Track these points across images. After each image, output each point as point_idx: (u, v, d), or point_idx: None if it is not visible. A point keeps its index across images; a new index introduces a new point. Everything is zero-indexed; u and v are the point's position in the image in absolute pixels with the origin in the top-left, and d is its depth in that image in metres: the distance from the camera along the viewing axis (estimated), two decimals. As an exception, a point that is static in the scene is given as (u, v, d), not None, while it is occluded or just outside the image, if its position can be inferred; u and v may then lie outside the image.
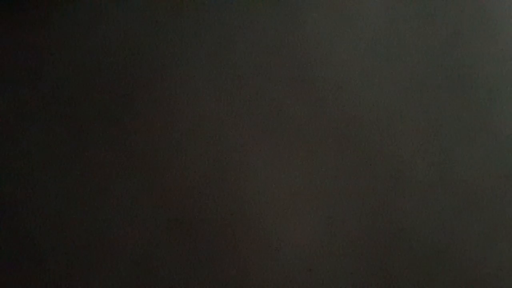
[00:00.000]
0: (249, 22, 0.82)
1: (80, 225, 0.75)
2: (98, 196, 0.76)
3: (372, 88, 0.81)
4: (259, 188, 0.77)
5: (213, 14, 0.82)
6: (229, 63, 0.81)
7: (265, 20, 0.82)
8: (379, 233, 0.77)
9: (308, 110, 0.80)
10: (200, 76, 0.80)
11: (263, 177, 0.77)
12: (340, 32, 0.82)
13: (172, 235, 0.75)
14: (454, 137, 0.80)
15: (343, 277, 0.76)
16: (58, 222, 0.75)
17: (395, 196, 0.78)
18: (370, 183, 0.78)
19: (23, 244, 0.74)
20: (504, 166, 0.80)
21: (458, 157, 0.80)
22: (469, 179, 0.79)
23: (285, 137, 0.79)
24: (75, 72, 0.79)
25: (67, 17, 0.81)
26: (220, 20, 0.82)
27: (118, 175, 0.77)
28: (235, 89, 0.80)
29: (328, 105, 0.80)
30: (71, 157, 0.77)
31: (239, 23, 0.82)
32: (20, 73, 0.79)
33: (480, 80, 0.82)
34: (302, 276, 0.75)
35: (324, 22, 0.83)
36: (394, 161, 0.79)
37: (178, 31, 0.81)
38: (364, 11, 0.84)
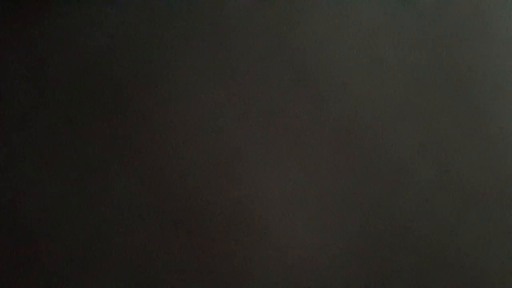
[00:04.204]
0: (249, 22, 0.82)
1: (79, 225, 0.75)
2: (98, 196, 0.76)
3: (372, 88, 0.81)
4: (259, 188, 0.77)
5: (213, 14, 0.82)
6: (228, 63, 0.81)
7: (265, 20, 0.83)
8: (379, 233, 0.77)
9: (308, 110, 0.80)
10: (199, 76, 0.80)
11: (263, 177, 0.78)
12: (340, 32, 0.83)
13: (172, 235, 0.76)
14: (454, 137, 0.80)
15: (343, 277, 0.76)
16: (58, 222, 0.75)
17: (395, 196, 0.78)
18: (370, 183, 0.78)
19: (23, 244, 0.74)
20: (504, 166, 0.80)
21: (458, 157, 0.80)
22: (469, 179, 0.79)
23: (285, 137, 0.79)
24: (75, 71, 0.80)
25: (67, 17, 0.81)
26: (219, 20, 0.82)
27: (118, 175, 0.77)
28: (234, 89, 0.80)
29: (328, 105, 0.80)
30: (71, 157, 0.77)
31: (239, 23, 0.82)
32: (20, 72, 0.79)
33: (480, 80, 0.82)
34: (303, 276, 0.75)
35: (324, 22, 0.83)
36: (394, 161, 0.79)
37: (178, 31, 0.81)
38: (364, 11, 0.84)
